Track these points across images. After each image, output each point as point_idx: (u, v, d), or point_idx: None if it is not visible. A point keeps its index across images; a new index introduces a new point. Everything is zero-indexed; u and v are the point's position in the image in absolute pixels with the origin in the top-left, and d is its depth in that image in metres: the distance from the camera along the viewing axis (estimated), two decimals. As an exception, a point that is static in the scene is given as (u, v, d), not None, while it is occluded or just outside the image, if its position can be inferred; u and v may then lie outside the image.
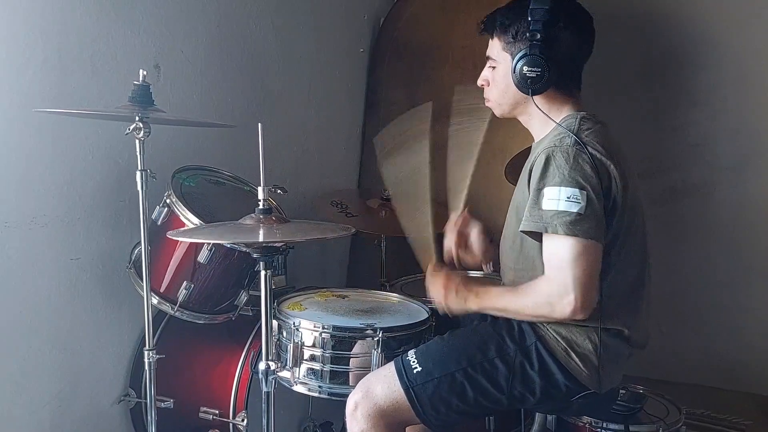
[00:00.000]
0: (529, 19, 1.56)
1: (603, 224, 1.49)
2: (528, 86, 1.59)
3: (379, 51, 3.10)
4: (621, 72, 3.00)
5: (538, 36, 1.55)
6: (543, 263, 1.53)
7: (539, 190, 1.50)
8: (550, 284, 1.49)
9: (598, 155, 1.51)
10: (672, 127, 2.99)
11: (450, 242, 1.82)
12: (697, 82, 2.95)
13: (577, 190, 1.46)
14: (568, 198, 1.46)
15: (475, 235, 1.82)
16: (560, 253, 1.47)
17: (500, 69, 1.66)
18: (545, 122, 1.65)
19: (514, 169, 2.19)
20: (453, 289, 1.64)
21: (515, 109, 1.69)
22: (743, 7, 2.83)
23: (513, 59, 1.60)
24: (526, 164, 1.67)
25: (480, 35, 1.72)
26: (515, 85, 1.61)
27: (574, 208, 1.45)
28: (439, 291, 1.66)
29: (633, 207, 1.58)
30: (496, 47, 1.67)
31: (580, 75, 1.68)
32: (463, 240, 1.82)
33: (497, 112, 1.74)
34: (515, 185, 1.87)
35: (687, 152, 2.98)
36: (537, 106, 1.62)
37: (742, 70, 2.86)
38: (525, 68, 1.57)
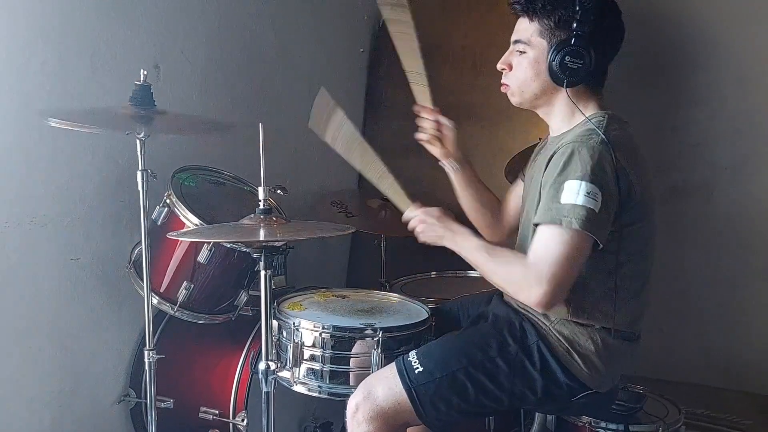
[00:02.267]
0: (577, 8, 1.51)
1: (609, 228, 1.47)
2: (564, 77, 1.53)
3: (379, 51, 3.10)
4: (621, 72, 2.98)
5: (587, 28, 1.51)
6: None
7: (560, 183, 1.46)
8: (528, 270, 1.45)
9: (622, 160, 1.48)
10: (672, 127, 2.99)
11: (424, 130, 1.84)
12: (697, 82, 2.95)
13: (597, 187, 1.43)
14: (588, 193, 1.42)
15: (448, 125, 1.84)
16: (553, 245, 1.44)
17: (531, 54, 1.59)
18: (568, 116, 1.62)
19: (514, 169, 2.19)
20: (430, 220, 1.64)
21: (538, 99, 1.63)
22: (743, 7, 2.83)
23: (551, 46, 1.55)
24: (540, 156, 1.65)
25: (513, 13, 1.63)
26: (549, 73, 1.56)
27: (591, 205, 1.42)
28: (417, 221, 1.66)
29: (650, 214, 1.57)
30: (530, 30, 1.58)
31: (606, 72, 1.65)
32: (437, 127, 1.84)
33: (515, 100, 1.67)
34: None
35: (687, 152, 2.97)
36: (570, 98, 1.57)
37: (742, 70, 2.86)
38: (567, 58, 1.51)
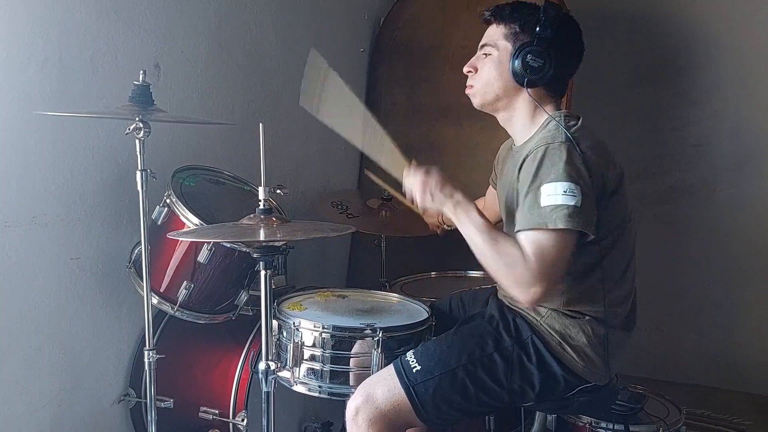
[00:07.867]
0: (541, 16, 1.58)
1: (595, 218, 1.50)
2: (526, 75, 1.59)
3: (379, 51, 3.10)
4: (622, 72, 3.00)
5: (549, 32, 1.57)
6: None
7: (537, 188, 1.49)
8: (527, 270, 1.45)
9: (589, 152, 1.53)
10: (672, 128, 3.00)
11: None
12: (697, 83, 2.95)
13: (573, 184, 1.47)
14: (564, 192, 1.46)
15: None
16: (546, 248, 1.46)
17: (496, 55, 1.66)
18: (528, 121, 1.67)
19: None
20: (431, 184, 1.59)
21: (499, 100, 1.68)
22: (743, 7, 2.83)
23: (515, 48, 1.62)
24: (507, 164, 1.69)
25: (483, 22, 1.71)
26: (512, 73, 1.62)
27: (572, 201, 1.45)
28: (417, 186, 1.60)
29: (625, 198, 1.61)
30: (497, 34, 1.66)
31: (566, 84, 1.71)
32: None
33: (476, 101, 1.71)
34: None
35: (688, 152, 2.98)
36: (531, 96, 1.63)
37: (743, 70, 2.86)
38: (529, 57, 1.58)
